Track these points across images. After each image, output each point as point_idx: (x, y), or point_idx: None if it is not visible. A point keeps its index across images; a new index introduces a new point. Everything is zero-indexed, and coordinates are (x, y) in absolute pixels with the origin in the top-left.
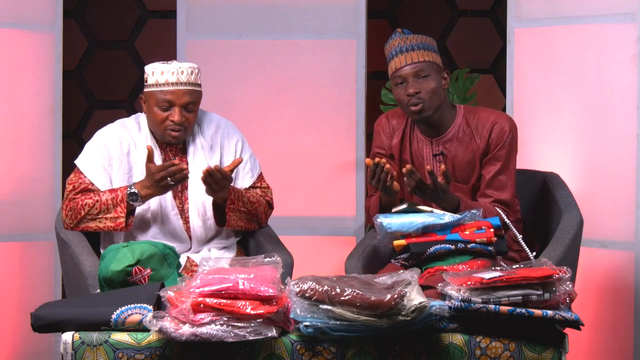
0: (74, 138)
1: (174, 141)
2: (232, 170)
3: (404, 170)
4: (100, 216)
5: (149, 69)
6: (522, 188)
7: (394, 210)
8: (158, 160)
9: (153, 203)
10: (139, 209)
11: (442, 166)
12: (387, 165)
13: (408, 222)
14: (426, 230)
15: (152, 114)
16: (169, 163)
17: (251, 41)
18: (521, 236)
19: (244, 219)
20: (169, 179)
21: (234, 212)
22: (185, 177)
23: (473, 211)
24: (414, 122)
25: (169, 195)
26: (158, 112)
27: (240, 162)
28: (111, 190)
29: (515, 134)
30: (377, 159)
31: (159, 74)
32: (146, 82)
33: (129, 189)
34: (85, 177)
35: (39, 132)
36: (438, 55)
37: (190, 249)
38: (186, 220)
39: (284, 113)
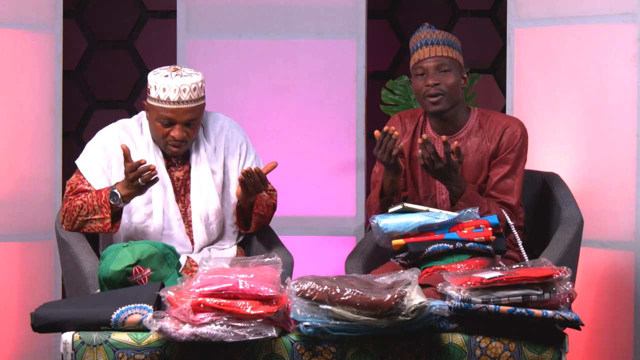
0: (74, 138)
1: (174, 155)
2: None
3: (419, 140)
4: (89, 217)
5: (151, 79)
6: (523, 188)
7: (390, 210)
8: (135, 159)
9: (156, 208)
10: (140, 213)
11: (455, 142)
12: (397, 133)
13: (404, 222)
14: (424, 229)
15: (153, 125)
16: (137, 163)
17: (251, 41)
18: (521, 241)
19: (257, 222)
20: (139, 179)
21: (256, 216)
22: (154, 178)
23: (469, 210)
24: (427, 117)
25: (172, 200)
26: (159, 127)
27: (275, 166)
28: (98, 191)
29: (526, 140)
30: (386, 128)
31: (161, 90)
32: (148, 92)
33: (111, 189)
34: (84, 178)
35: (39, 132)
36: (461, 55)
37: (191, 253)
38: (188, 225)
39: (283, 113)
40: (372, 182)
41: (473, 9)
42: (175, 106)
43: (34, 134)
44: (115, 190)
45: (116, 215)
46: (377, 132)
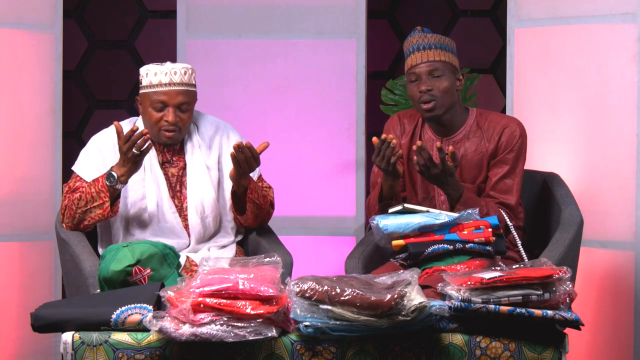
0: (74, 138)
1: (168, 142)
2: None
3: (414, 147)
4: (88, 206)
5: (143, 70)
6: (523, 188)
7: (390, 211)
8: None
9: (150, 203)
10: (136, 208)
11: (450, 147)
12: (395, 141)
13: (404, 222)
14: (424, 230)
15: (147, 115)
16: (129, 132)
17: (251, 41)
18: (520, 242)
19: (254, 213)
20: (134, 150)
21: (251, 203)
22: (148, 145)
23: (469, 211)
24: (424, 121)
25: (165, 194)
26: (152, 113)
27: (267, 146)
28: (94, 180)
29: (524, 140)
30: (384, 136)
31: (153, 75)
32: (141, 83)
33: (107, 172)
34: (81, 177)
35: (39, 132)
36: (455, 56)
37: (189, 245)
38: (185, 218)
39: (283, 113)
40: (372, 182)
41: (473, 9)
42: (167, 88)
43: (34, 134)
44: (112, 172)
45: (114, 200)
46: (375, 139)
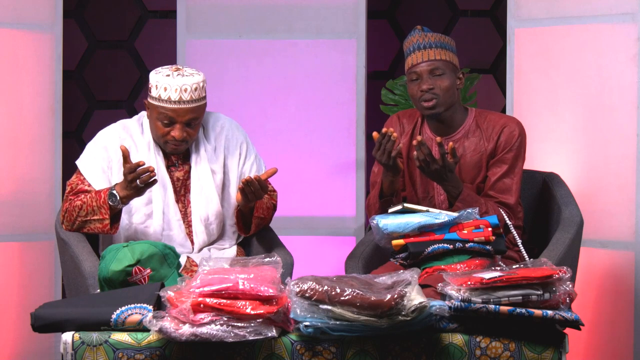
0: (74, 138)
1: (173, 152)
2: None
3: (414, 142)
4: (88, 218)
5: (153, 78)
6: (523, 188)
7: (390, 210)
8: (136, 159)
9: (156, 209)
10: (140, 214)
11: (451, 143)
12: (395, 134)
13: (404, 222)
14: (424, 229)
15: (153, 124)
16: (136, 164)
17: (251, 41)
18: (520, 241)
19: (258, 224)
20: (137, 181)
21: (256, 219)
22: (152, 180)
23: (469, 210)
24: (424, 119)
25: (172, 200)
26: (159, 126)
27: (275, 172)
28: (97, 192)
29: (524, 139)
30: (384, 130)
31: (162, 90)
32: (150, 91)
33: (109, 190)
34: (84, 178)
35: (39, 132)
36: (455, 55)
37: (191, 253)
38: (188, 225)
39: (283, 113)
40: (372, 182)
41: (473, 9)
42: (176, 106)
43: (34, 134)
44: (114, 192)
45: (115, 216)
46: (375, 134)
